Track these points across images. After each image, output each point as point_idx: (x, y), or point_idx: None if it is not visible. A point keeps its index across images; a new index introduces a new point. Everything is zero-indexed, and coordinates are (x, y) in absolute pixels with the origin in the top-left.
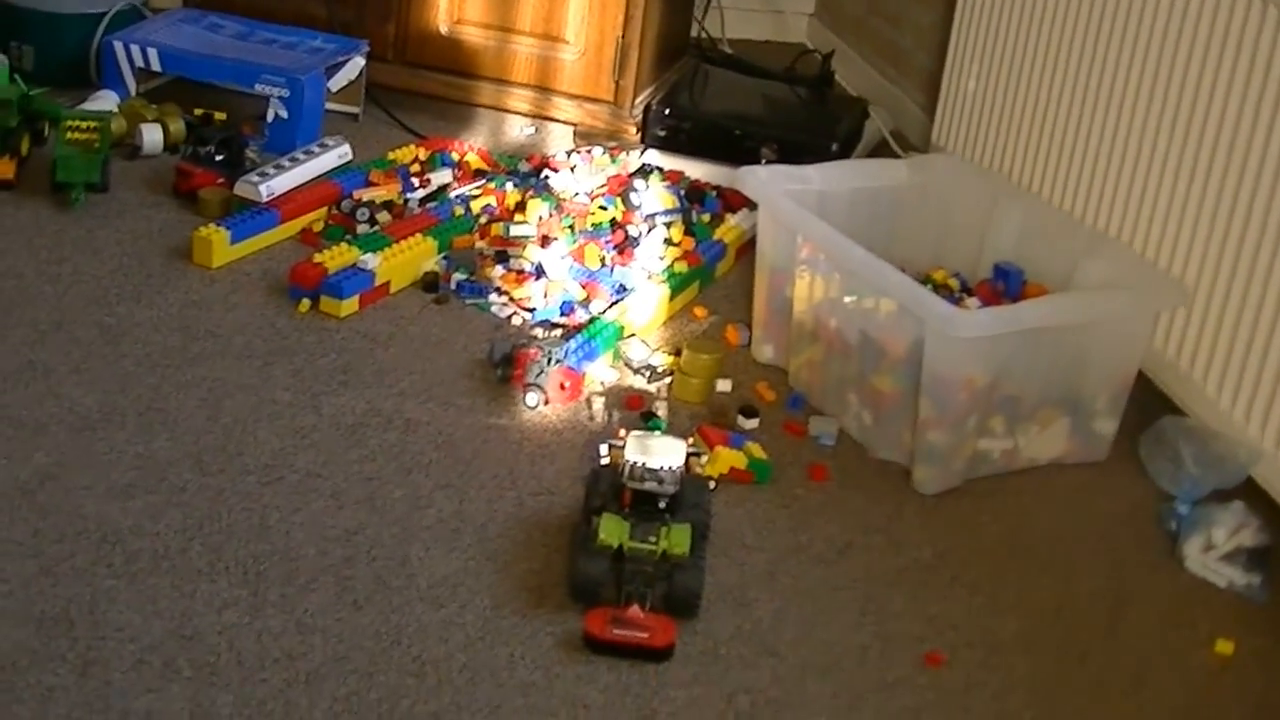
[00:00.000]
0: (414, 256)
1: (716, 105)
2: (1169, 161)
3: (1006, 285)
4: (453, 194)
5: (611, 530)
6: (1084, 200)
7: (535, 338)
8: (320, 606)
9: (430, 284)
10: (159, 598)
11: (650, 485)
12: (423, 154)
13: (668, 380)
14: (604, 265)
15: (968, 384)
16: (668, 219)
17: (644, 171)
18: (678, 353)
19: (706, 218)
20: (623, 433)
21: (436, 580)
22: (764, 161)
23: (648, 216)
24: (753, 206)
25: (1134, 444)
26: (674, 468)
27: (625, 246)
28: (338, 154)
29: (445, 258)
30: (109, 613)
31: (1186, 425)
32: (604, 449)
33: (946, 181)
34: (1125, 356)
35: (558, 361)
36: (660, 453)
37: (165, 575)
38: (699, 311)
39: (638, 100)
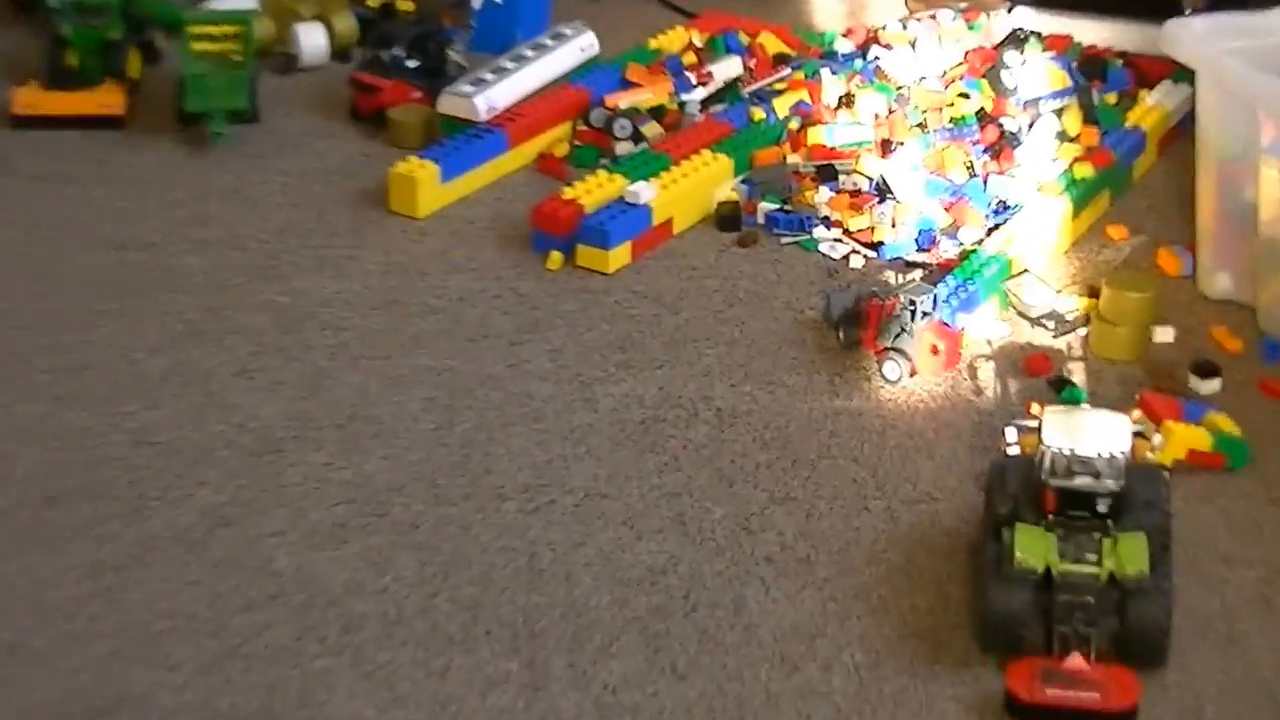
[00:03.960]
0: (702, 182)
1: None
2: None
3: None
4: (747, 91)
5: (1032, 547)
6: None
7: (888, 284)
8: (626, 678)
9: (729, 219)
10: (395, 680)
11: (1083, 481)
12: (698, 38)
13: (1082, 332)
14: (974, 176)
15: None
16: (1058, 104)
17: (1017, 39)
18: (1094, 293)
19: (1113, 98)
20: (1034, 409)
21: (785, 631)
22: (1188, 11)
23: (1028, 103)
24: (1182, 77)
25: None
26: (1115, 455)
27: (1001, 147)
28: (578, 46)
29: (746, 181)
30: (327, 705)
31: None
32: (1010, 434)
33: None
34: None
35: (924, 315)
36: (1093, 434)
37: (402, 647)
38: (1116, 232)
39: None
